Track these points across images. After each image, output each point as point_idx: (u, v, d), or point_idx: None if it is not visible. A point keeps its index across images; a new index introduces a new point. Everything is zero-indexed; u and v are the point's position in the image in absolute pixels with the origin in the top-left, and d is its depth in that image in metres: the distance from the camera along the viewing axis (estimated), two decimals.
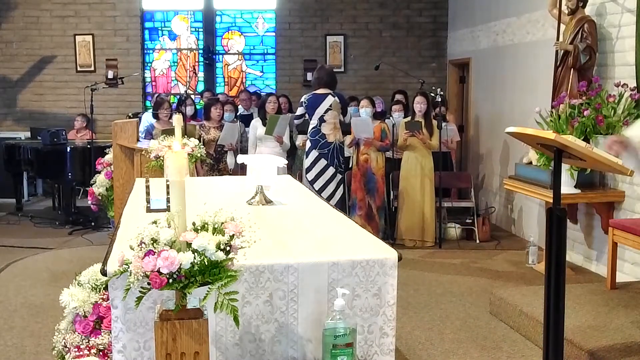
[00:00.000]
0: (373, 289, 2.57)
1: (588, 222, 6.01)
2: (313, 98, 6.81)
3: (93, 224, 7.97)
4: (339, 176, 6.84)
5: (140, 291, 2.07)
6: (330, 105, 6.74)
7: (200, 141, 5.93)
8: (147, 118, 7.95)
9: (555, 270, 2.99)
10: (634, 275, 5.28)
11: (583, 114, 5.40)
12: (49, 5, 10.18)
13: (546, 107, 5.95)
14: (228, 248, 2.11)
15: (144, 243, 2.06)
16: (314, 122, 6.80)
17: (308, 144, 6.88)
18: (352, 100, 8.71)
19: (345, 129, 7.14)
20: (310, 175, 6.82)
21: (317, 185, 6.71)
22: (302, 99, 6.92)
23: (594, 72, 5.75)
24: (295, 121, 7.21)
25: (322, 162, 6.77)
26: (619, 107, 5.39)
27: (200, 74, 10.66)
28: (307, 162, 6.87)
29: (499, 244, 7.17)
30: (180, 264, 2.00)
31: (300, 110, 6.98)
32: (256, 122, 7.42)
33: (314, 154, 6.80)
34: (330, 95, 6.77)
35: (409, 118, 7.25)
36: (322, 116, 6.75)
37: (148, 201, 3.23)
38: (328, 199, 6.25)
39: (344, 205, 7.07)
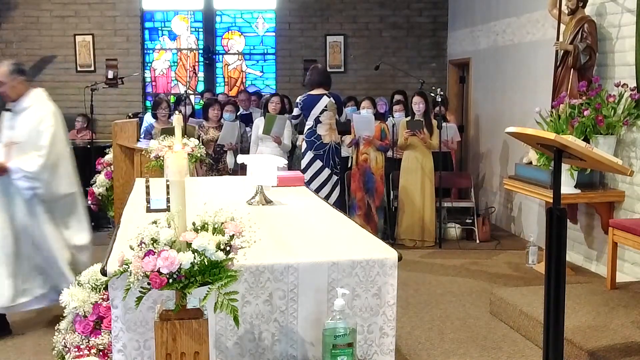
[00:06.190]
0: (373, 289, 2.57)
1: (588, 222, 6.01)
2: (308, 99, 6.68)
3: (93, 224, 7.94)
4: (334, 177, 6.73)
5: (140, 291, 2.07)
6: (326, 106, 6.62)
7: (199, 141, 5.93)
8: (148, 119, 7.96)
9: (555, 270, 2.99)
10: (634, 275, 5.28)
11: (583, 114, 5.41)
12: (49, 5, 10.18)
13: (546, 107, 5.95)
14: (228, 248, 2.11)
15: (144, 243, 2.06)
16: (309, 123, 6.68)
17: (304, 145, 6.78)
18: (350, 100, 8.71)
19: (342, 128, 7.10)
20: (306, 177, 6.74)
21: (313, 186, 6.61)
22: (298, 100, 6.85)
23: (594, 72, 5.75)
24: (293, 121, 7.16)
25: (318, 164, 6.66)
26: (619, 107, 5.39)
27: (200, 74, 10.66)
28: (302, 164, 6.81)
29: (499, 244, 7.17)
30: (180, 264, 2.00)
31: (296, 111, 6.90)
32: (259, 122, 7.38)
33: (309, 155, 6.69)
34: (325, 96, 6.64)
35: (409, 118, 7.25)
36: (318, 117, 6.61)
37: (148, 201, 3.23)
38: (324, 200, 6.21)
39: (343, 206, 7.05)
